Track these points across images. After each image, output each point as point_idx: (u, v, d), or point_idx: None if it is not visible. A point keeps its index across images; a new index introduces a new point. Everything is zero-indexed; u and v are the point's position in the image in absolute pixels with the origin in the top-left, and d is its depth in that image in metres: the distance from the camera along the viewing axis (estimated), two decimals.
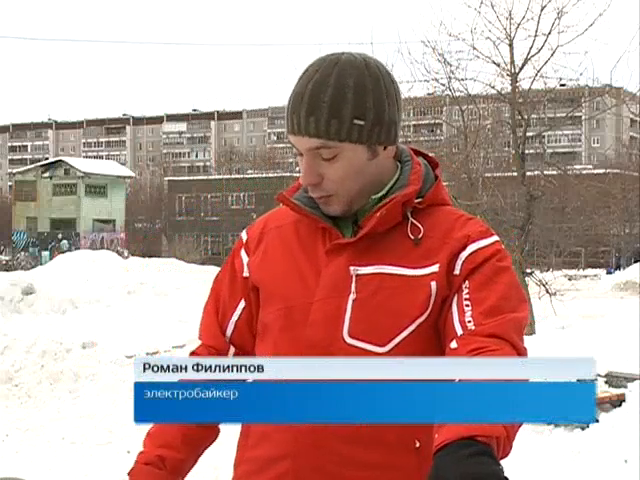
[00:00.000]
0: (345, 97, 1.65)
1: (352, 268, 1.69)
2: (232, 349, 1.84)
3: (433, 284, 1.66)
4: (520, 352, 1.58)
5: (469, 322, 1.60)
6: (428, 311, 1.66)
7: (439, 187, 1.77)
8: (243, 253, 1.85)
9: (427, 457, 1.60)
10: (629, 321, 11.20)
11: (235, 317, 1.84)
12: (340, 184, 1.69)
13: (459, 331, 1.61)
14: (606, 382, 8.08)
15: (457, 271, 1.67)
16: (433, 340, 1.67)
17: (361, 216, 1.73)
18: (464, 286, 1.65)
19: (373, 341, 1.65)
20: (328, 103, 1.65)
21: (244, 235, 1.87)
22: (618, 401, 7.60)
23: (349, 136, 1.66)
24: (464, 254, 1.68)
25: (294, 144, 1.71)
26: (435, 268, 1.67)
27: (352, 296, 1.68)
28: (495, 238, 1.72)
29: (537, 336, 12.09)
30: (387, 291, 1.67)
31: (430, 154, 1.87)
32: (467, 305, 1.63)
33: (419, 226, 1.71)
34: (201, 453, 1.84)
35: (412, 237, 1.70)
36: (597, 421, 7.28)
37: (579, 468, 6.17)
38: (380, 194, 1.73)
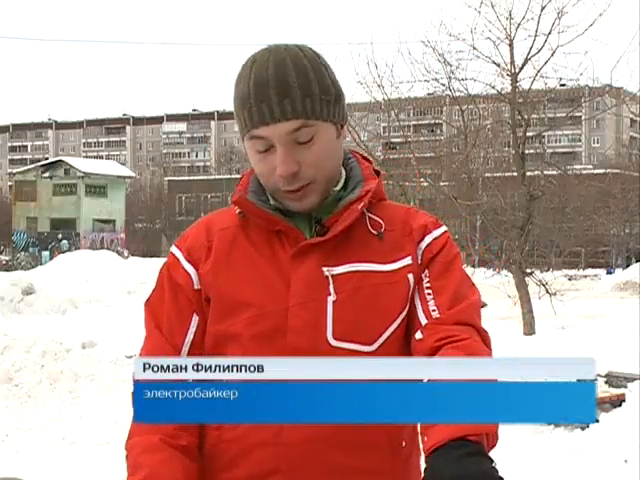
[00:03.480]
0: (308, 76, 1.63)
1: (325, 269, 1.64)
2: None
3: (410, 276, 1.66)
4: (483, 335, 1.62)
5: (433, 311, 1.63)
6: (409, 303, 1.66)
7: (381, 184, 1.77)
8: (187, 265, 1.71)
9: (409, 456, 1.66)
10: (629, 321, 11.20)
11: (191, 335, 1.70)
12: (318, 168, 1.65)
13: (423, 320, 1.62)
14: (606, 382, 8.08)
15: (418, 261, 1.69)
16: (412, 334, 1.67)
17: (322, 213, 1.69)
18: (424, 275, 1.67)
19: (359, 341, 1.62)
20: (297, 83, 1.61)
21: (176, 250, 1.74)
22: (618, 401, 7.60)
23: (322, 114, 1.64)
24: (423, 244, 1.70)
25: (266, 136, 1.62)
26: (408, 260, 1.67)
27: (331, 297, 1.63)
28: (445, 228, 1.75)
29: (537, 336, 12.09)
30: (368, 289, 1.64)
31: (363, 153, 1.86)
32: (429, 294, 1.65)
33: (379, 220, 1.70)
34: None
35: (375, 232, 1.69)
36: (597, 421, 7.28)
37: (579, 468, 6.18)
38: (338, 187, 1.71)
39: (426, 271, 1.67)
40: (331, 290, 1.63)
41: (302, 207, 1.67)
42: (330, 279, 1.64)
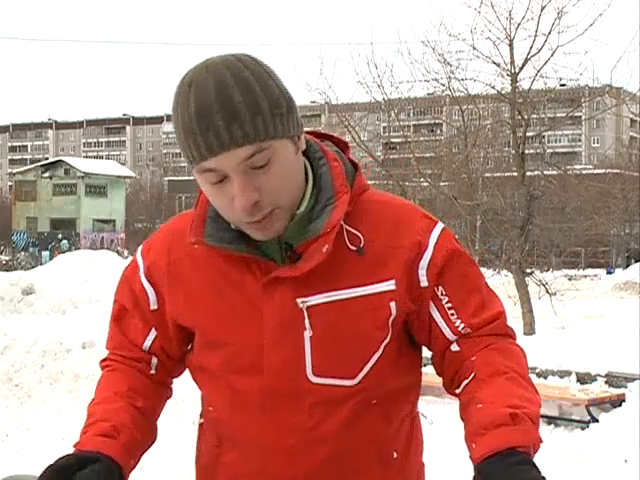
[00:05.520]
0: (254, 91, 1.42)
1: (299, 300, 1.52)
2: (154, 358, 1.68)
3: (392, 305, 1.54)
4: (512, 336, 1.63)
5: (463, 328, 1.58)
6: (390, 332, 1.56)
7: (361, 177, 1.61)
8: (145, 282, 1.64)
9: (402, 465, 1.64)
10: (629, 321, 11.20)
11: (148, 342, 1.67)
12: (280, 192, 1.47)
13: (451, 336, 1.59)
14: (606, 382, 8.07)
15: (425, 283, 1.56)
16: (396, 358, 1.60)
17: (290, 237, 1.54)
18: (439, 293, 1.57)
19: (340, 375, 1.54)
20: (243, 103, 1.41)
21: (140, 259, 1.67)
22: (618, 401, 7.59)
23: (276, 131, 1.44)
24: (424, 263, 1.56)
25: (217, 167, 1.44)
26: (391, 285, 1.54)
27: (308, 333, 1.52)
28: (440, 225, 1.61)
29: (537, 336, 12.07)
30: (346, 319, 1.53)
31: (335, 134, 1.69)
32: (453, 315, 1.58)
33: (358, 235, 1.55)
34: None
35: (354, 248, 1.54)
36: (597, 421, 7.28)
37: (579, 468, 6.17)
38: (304, 207, 1.54)
39: (441, 288, 1.57)
40: (307, 325, 1.52)
41: (267, 236, 1.52)
42: (305, 312, 1.52)
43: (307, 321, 1.52)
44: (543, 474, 1.36)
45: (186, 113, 1.43)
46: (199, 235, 1.55)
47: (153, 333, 1.67)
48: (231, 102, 1.41)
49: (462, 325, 1.58)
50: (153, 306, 1.65)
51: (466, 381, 1.54)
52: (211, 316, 1.58)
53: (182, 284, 1.61)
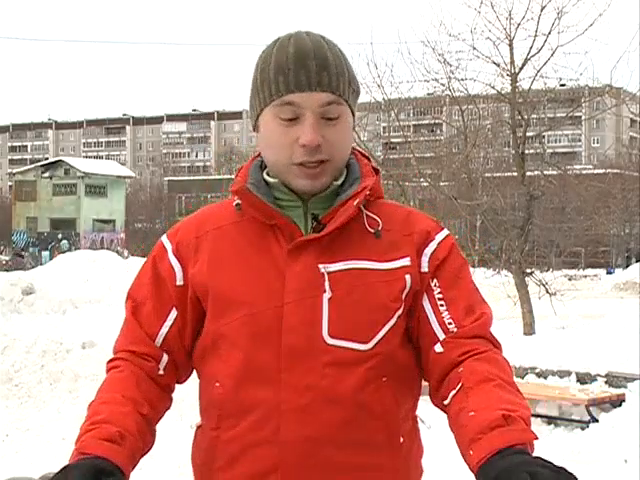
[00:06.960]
0: (341, 60, 1.68)
1: (321, 266, 1.63)
2: (165, 356, 1.71)
3: (407, 277, 1.65)
4: (497, 346, 1.67)
5: (450, 324, 1.64)
6: (403, 303, 1.65)
7: (379, 180, 1.76)
8: (173, 259, 1.72)
9: (409, 452, 1.68)
10: (629, 321, 11.21)
11: (165, 329, 1.71)
12: (337, 148, 1.66)
13: (440, 334, 1.64)
14: (606, 382, 8.09)
15: (425, 268, 1.68)
16: (404, 333, 1.68)
17: (318, 208, 1.68)
18: (433, 285, 1.67)
19: (356, 339, 1.61)
20: (333, 62, 1.65)
21: (167, 241, 1.75)
22: (618, 401, 7.60)
23: (349, 97, 1.68)
24: (428, 251, 1.69)
25: (299, 102, 1.63)
26: (407, 261, 1.67)
27: (327, 295, 1.62)
28: (447, 231, 1.75)
29: (537, 336, 12.09)
30: (363, 287, 1.63)
31: (356, 147, 1.84)
32: (442, 305, 1.66)
33: (376, 219, 1.69)
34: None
35: (372, 230, 1.68)
36: (597, 421, 7.29)
37: (579, 468, 6.16)
38: (339, 181, 1.70)
39: (435, 280, 1.67)
40: (326, 287, 1.62)
41: (313, 186, 1.66)
42: (326, 276, 1.62)
43: (327, 283, 1.62)
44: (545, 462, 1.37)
45: (284, 53, 1.64)
46: (242, 187, 1.68)
47: (173, 315, 1.71)
48: (325, 56, 1.65)
49: (450, 321, 1.64)
50: (179, 282, 1.71)
51: (453, 391, 1.57)
52: (235, 275, 1.65)
53: (208, 250, 1.70)
